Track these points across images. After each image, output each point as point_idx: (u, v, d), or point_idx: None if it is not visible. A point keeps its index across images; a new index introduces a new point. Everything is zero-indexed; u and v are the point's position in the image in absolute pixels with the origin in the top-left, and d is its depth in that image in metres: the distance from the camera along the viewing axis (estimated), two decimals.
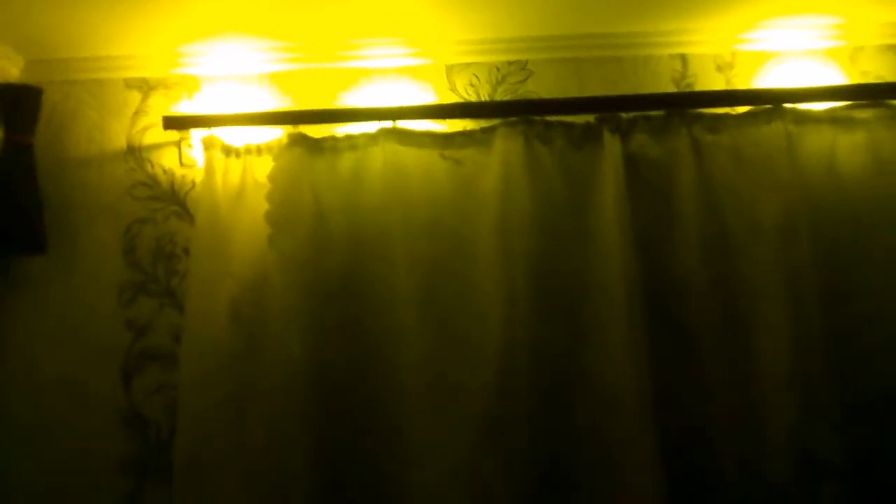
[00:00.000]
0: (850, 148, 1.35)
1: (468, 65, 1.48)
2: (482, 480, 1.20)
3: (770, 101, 1.36)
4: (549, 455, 1.21)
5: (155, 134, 1.44)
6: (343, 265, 1.29)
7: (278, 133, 1.37)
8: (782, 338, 1.21)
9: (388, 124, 1.35)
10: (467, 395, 1.23)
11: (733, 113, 1.37)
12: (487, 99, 1.45)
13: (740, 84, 1.46)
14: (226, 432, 1.22)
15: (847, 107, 1.37)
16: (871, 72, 1.50)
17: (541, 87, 1.47)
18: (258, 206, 1.32)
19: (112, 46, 1.43)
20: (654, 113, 1.36)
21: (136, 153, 1.44)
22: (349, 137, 1.37)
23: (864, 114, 1.36)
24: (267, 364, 1.25)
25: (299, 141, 1.35)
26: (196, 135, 1.41)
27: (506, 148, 1.32)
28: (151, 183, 1.43)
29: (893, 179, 1.33)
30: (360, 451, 1.23)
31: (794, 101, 1.37)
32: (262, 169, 1.35)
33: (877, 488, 1.22)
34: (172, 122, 1.36)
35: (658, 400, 1.19)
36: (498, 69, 1.48)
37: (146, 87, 1.47)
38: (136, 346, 1.36)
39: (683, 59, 1.49)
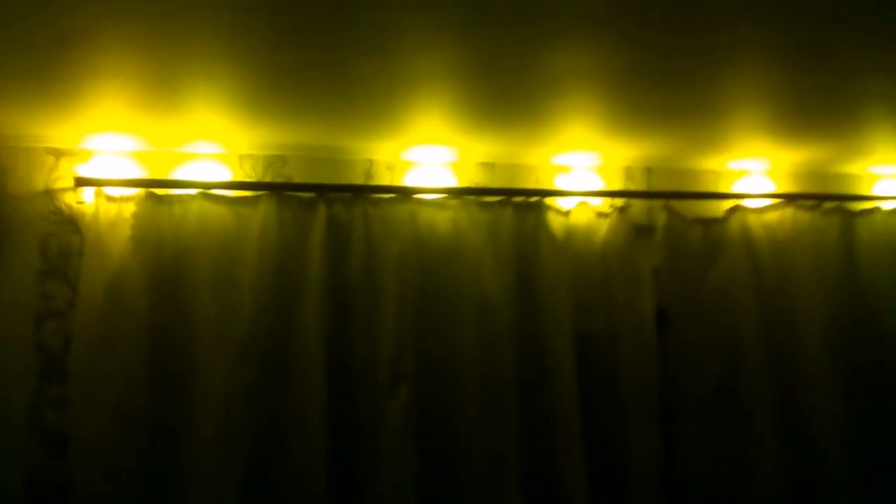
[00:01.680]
0: (443, 219, 2.62)
1: (251, 156, 2.60)
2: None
3: (406, 192, 2.64)
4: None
5: (62, 182, 2.43)
6: (171, 264, 2.36)
7: (137, 190, 2.47)
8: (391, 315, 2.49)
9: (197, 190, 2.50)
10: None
11: (386, 197, 2.63)
12: (260, 179, 2.61)
13: (397, 181, 2.71)
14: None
15: (445, 198, 2.67)
16: (471, 178, 2.81)
17: (293, 174, 2.60)
18: (125, 231, 2.39)
19: (39, 128, 2.32)
20: (346, 194, 2.60)
21: (50, 194, 2.43)
22: (179, 196, 2.45)
23: (453, 202, 2.65)
24: (128, 312, 2.31)
25: (150, 196, 2.42)
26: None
27: (266, 208, 2.46)
28: (58, 212, 2.42)
29: (463, 233, 2.58)
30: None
31: (419, 193, 2.64)
32: (129, 209, 2.41)
33: (436, 388, 2.52)
34: (79, 182, 2.40)
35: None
36: (267, 159, 2.63)
37: (58, 154, 2.44)
38: (44, 308, 2.38)
39: (371, 162, 2.70)
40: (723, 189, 2.97)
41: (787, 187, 3.04)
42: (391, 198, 2.60)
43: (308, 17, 1.66)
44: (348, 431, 2.41)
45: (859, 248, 2.99)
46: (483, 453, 2.47)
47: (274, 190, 2.51)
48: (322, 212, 2.51)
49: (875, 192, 3.15)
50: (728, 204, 2.92)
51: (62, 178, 2.47)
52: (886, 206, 3.09)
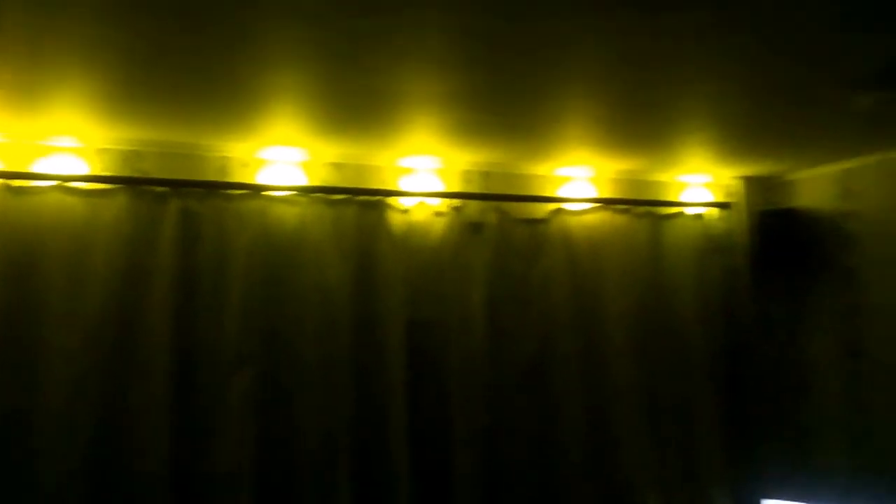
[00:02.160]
0: (292, 214, 2.88)
1: (108, 150, 2.77)
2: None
3: (258, 189, 2.87)
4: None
5: None
6: (26, 252, 2.50)
7: None
8: (237, 301, 2.74)
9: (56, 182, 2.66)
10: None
11: (239, 192, 2.86)
12: (116, 173, 2.77)
13: (250, 178, 2.93)
14: None
15: (294, 195, 2.92)
16: (321, 177, 3.07)
17: (149, 168, 2.78)
18: None
19: None
20: (199, 189, 2.81)
21: None
22: (36, 188, 2.61)
23: (301, 199, 2.92)
24: None
25: (8, 188, 2.58)
26: None
27: (120, 200, 2.65)
28: None
29: (308, 227, 2.86)
30: None
31: (271, 190, 2.89)
32: None
33: (277, 369, 2.79)
34: None
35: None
36: (124, 154, 2.79)
37: None
38: None
39: (225, 159, 2.92)
40: (549, 193, 3.33)
41: (607, 193, 3.43)
42: (243, 193, 2.82)
43: (164, 24, 1.82)
44: (192, 409, 2.63)
45: (665, 248, 3.43)
46: (317, 431, 2.75)
47: (129, 184, 2.70)
48: (175, 205, 2.71)
49: (682, 198, 3.59)
50: (552, 206, 3.28)
51: None
52: (690, 211, 3.54)
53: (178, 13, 1.75)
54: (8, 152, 2.66)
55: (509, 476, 3.03)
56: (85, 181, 2.67)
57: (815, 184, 3.59)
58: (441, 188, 3.17)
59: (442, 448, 2.92)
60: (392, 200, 3.03)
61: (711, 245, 3.52)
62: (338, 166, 3.05)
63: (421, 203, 3.08)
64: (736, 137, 3.07)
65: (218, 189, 2.80)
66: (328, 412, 2.75)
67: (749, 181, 3.62)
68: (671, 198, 3.56)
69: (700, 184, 3.64)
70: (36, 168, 2.67)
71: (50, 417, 2.46)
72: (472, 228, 3.12)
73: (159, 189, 2.73)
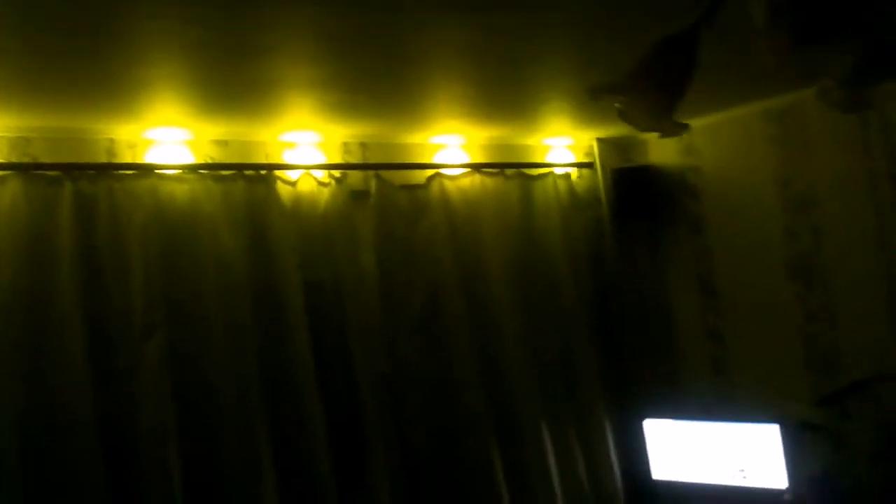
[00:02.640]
0: (182, 191, 3.04)
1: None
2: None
3: (147, 169, 3.02)
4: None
5: None
6: None
7: None
8: (139, 273, 2.90)
9: None
10: None
11: (129, 173, 3.00)
12: (6, 160, 2.82)
13: (139, 158, 3.06)
14: None
15: (182, 172, 3.09)
16: (207, 154, 3.23)
17: (38, 153, 2.87)
18: None
19: None
20: (91, 171, 2.93)
21: None
22: None
23: (190, 176, 3.09)
24: None
25: None
26: None
27: (13, 186, 2.71)
28: None
29: (199, 202, 3.03)
30: None
31: (159, 169, 3.04)
32: None
33: (185, 334, 2.97)
34: None
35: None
36: (12, 141, 2.84)
37: None
38: None
39: (112, 141, 3.04)
40: (425, 160, 3.61)
41: (478, 158, 3.74)
42: (134, 173, 2.96)
43: (47, 15, 1.89)
44: (110, 380, 2.75)
45: (535, 206, 3.78)
46: (230, 390, 2.93)
47: (20, 170, 2.79)
48: (68, 188, 2.81)
49: (548, 159, 3.94)
50: (430, 173, 3.57)
51: None
52: (556, 171, 3.90)
53: (61, 15, 1.89)
54: None
55: (413, 416, 3.33)
56: None
57: (663, 142, 4.02)
58: (323, 160, 3.39)
59: (349, 394, 3.17)
60: (279, 173, 3.23)
61: (576, 201, 3.89)
62: (222, 143, 3.22)
63: (306, 174, 3.29)
64: (590, 104, 3.41)
65: (109, 170, 2.92)
66: (238, 370, 2.93)
67: (605, 142, 4.01)
68: (538, 160, 3.91)
69: (563, 146, 4.00)
70: None
71: None
72: (356, 196, 3.36)
73: (52, 173, 2.82)
